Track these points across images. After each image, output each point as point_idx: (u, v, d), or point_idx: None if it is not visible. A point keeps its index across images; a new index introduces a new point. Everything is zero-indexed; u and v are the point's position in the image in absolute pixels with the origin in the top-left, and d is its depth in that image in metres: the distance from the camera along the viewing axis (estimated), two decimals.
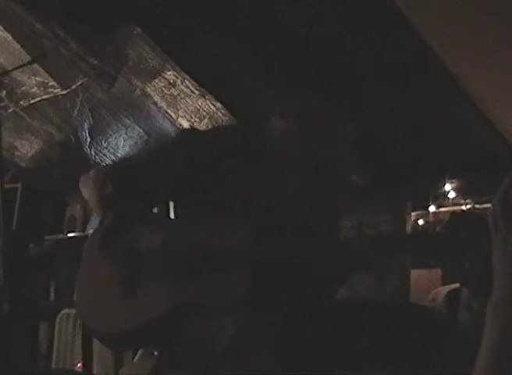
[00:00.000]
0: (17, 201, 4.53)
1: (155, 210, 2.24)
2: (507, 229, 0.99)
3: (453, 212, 3.92)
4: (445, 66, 3.10)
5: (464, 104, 3.39)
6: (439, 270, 3.81)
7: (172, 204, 1.99)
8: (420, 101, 3.55)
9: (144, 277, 1.74)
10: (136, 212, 1.83)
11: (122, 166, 2.02)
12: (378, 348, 1.71)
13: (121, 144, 4.57)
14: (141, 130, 4.46)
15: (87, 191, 1.90)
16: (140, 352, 2.02)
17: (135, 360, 2.03)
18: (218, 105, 4.08)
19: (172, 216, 1.99)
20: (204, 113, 4.16)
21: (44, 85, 4.14)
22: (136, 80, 4.08)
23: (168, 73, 3.95)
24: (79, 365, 3.23)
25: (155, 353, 1.80)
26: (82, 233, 4.56)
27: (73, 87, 4.13)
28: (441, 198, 4.03)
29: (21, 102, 4.31)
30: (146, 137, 4.48)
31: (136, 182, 1.85)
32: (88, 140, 4.55)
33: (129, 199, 1.82)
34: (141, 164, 1.92)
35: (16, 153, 4.76)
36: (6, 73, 3.71)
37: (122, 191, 1.82)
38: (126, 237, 1.75)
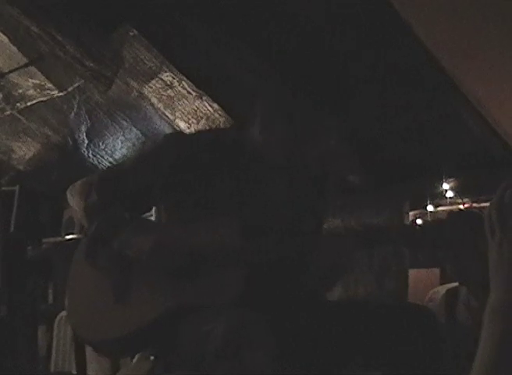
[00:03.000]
0: (15, 204, 4.53)
1: (148, 214, 2.24)
2: (503, 232, 0.99)
3: (451, 212, 3.92)
4: (441, 65, 3.10)
5: (462, 104, 3.39)
6: (437, 269, 3.81)
7: (161, 207, 1.99)
8: (417, 102, 3.55)
9: (135, 282, 1.73)
10: (122, 219, 1.82)
11: (107, 174, 2.01)
12: (375, 347, 1.70)
13: (118, 146, 4.57)
14: (138, 132, 4.46)
15: (73, 201, 1.90)
16: (137, 355, 2.02)
17: (132, 362, 2.02)
18: (216, 106, 4.08)
19: (161, 219, 1.99)
20: (202, 114, 4.16)
21: (40, 87, 4.14)
22: (132, 81, 4.07)
23: (165, 74, 3.95)
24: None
25: (151, 358, 1.79)
26: (80, 236, 4.56)
27: (70, 89, 4.13)
28: (439, 198, 4.03)
29: (18, 105, 4.30)
30: (143, 139, 4.48)
31: (122, 189, 1.84)
32: (85, 142, 4.55)
33: (115, 207, 1.82)
34: (126, 171, 1.90)
35: (14, 156, 4.76)
36: (2, 75, 3.71)
37: (107, 199, 1.82)
38: (113, 245, 1.74)
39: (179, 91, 4.05)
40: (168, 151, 1.86)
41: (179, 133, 2.03)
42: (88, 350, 2.09)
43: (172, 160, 1.83)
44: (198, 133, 2.30)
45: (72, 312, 1.86)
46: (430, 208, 4.05)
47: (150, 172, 1.84)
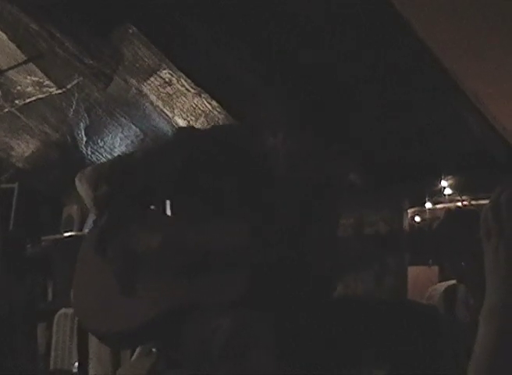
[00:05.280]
0: (14, 202, 4.53)
1: (153, 209, 2.24)
2: (499, 236, 1.00)
3: (449, 209, 3.92)
4: (441, 64, 3.10)
5: (461, 102, 3.40)
6: (435, 267, 3.81)
7: (169, 203, 1.99)
8: (416, 100, 3.56)
9: (141, 277, 1.73)
10: (132, 212, 1.82)
11: (118, 164, 1.99)
12: (376, 346, 1.71)
13: (117, 143, 4.57)
14: (137, 129, 4.46)
15: (82, 189, 1.88)
16: (138, 351, 2.02)
17: (133, 359, 2.03)
18: (214, 103, 4.08)
19: (169, 215, 1.98)
20: (200, 112, 4.17)
21: (39, 85, 4.14)
22: (131, 79, 4.08)
23: (164, 71, 3.95)
24: (77, 364, 3.23)
25: (153, 350, 1.79)
26: (79, 233, 4.56)
27: (69, 86, 4.13)
28: (437, 195, 4.04)
29: (16, 102, 4.30)
30: (142, 136, 4.48)
31: (133, 181, 1.83)
32: (84, 139, 4.55)
33: (125, 199, 1.81)
34: (138, 163, 1.90)
35: (13, 153, 4.75)
36: (1, 72, 3.71)
37: (117, 190, 1.81)
38: (123, 237, 1.74)
39: (178, 89, 4.05)
40: (181, 146, 1.85)
41: (193, 129, 2.02)
42: (89, 346, 2.10)
43: (184, 155, 1.82)
44: (210, 129, 2.28)
45: (79, 303, 1.86)
46: (428, 205, 4.06)
47: (161, 166, 1.84)
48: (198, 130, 2.08)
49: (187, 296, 1.67)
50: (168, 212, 1.99)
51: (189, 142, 1.87)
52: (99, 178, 1.82)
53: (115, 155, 4.60)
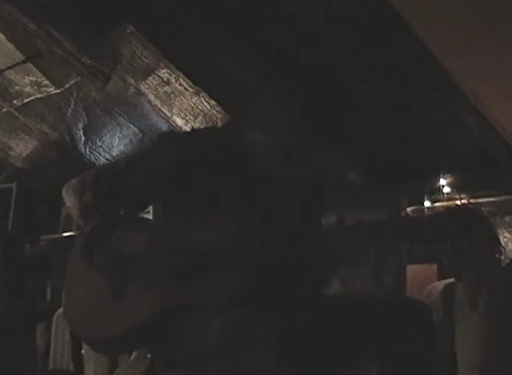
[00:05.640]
0: (12, 201, 4.53)
1: (146, 211, 2.24)
2: None
3: (448, 207, 3.93)
4: (441, 64, 3.11)
5: (461, 102, 3.40)
6: (434, 265, 3.82)
7: (166, 203, 1.98)
8: (416, 100, 3.56)
9: (132, 280, 1.73)
10: (120, 216, 1.82)
11: (102, 172, 1.99)
12: (376, 345, 1.71)
13: (116, 142, 4.57)
14: (136, 129, 4.46)
15: (68, 199, 1.89)
16: (135, 352, 2.02)
17: (131, 359, 2.03)
18: (213, 102, 4.08)
19: (160, 216, 1.98)
20: (199, 111, 4.16)
21: (37, 84, 4.14)
22: (130, 78, 4.07)
23: (162, 70, 3.95)
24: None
25: (148, 355, 1.80)
26: (77, 233, 4.55)
27: (67, 86, 4.12)
28: (436, 193, 4.05)
29: (15, 102, 4.30)
30: (141, 136, 4.48)
31: (119, 187, 1.84)
32: (83, 139, 4.55)
33: (113, 204, 1.81)
34: (127, 166, 1.90)
35: (11, 153, 4.75)
36: None
37: (101, 197, 1.81)
38: (111, 241, 1.74)
39: (176, 88, 4.05)
40: (166, 150, 1.86)
41: (176, 132, 2.03)
42: (86, 347, 2.09)
43: (170, 159, 1.83)
44: (196, 131, 2.29)
45: (69, 309, 1.86)
46: (427, 203, 4.06)
47: (147, 170, 1.84)
48: (183, 132, 2.09)
49: (187, 296, 1.67)
50: (165, 212, 1.99)
51: (184, 140, 1.87)
52: (84, 188, 1.83)
53: (114, 154, 4.60)
